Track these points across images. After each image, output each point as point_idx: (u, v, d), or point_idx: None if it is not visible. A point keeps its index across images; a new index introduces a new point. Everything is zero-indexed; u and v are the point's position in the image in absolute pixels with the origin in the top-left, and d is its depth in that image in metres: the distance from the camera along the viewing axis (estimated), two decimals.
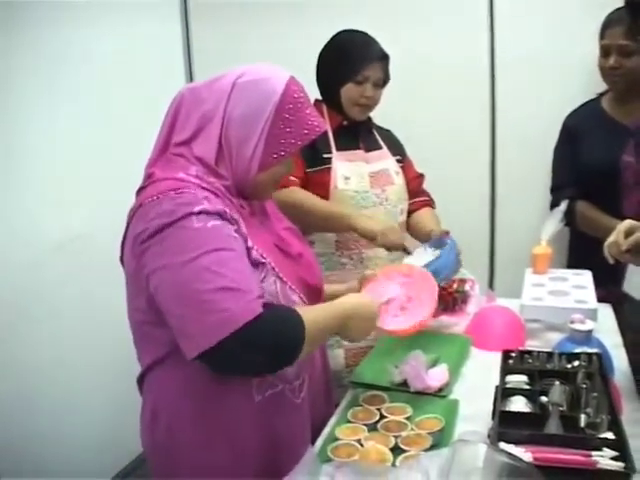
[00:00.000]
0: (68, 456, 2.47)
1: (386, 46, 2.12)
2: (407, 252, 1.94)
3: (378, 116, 2.24)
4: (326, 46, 2.15)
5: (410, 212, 2.25)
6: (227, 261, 1.24)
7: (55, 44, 2.43)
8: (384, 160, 2.19)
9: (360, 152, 2.15)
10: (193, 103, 1.38)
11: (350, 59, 2.06)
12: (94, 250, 2.52)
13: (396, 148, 2.27)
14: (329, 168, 2.07)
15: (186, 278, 1.21)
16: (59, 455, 2.45)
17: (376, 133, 2.24)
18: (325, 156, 2.08)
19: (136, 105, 2.70)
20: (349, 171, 2.09)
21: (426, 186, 2.33)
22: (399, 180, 2.19)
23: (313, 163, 2.06)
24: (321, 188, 2.05)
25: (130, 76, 2.74)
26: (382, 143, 2.23)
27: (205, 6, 3.05)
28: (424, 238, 2.07)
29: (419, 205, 2.28)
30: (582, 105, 2.50)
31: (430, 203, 2.31)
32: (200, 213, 1.25)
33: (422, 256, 1.89)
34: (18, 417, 2.30)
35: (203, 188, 1.30)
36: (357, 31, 2.13)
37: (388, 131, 2.30)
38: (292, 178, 1.97)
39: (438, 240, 1.97)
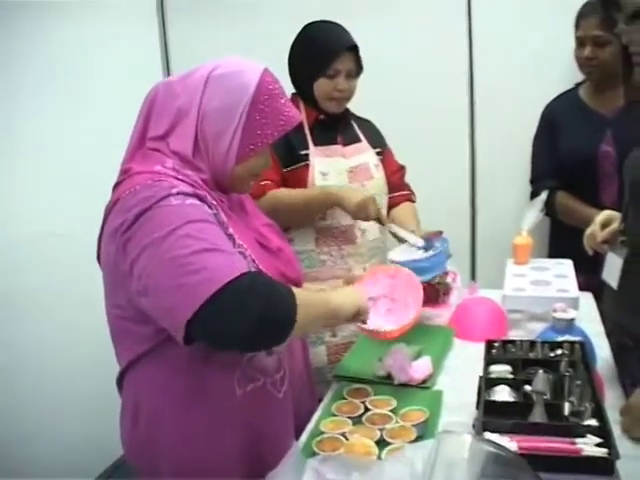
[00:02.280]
0: (50, 456, 2.46)
1: (366, 39, 2.09)
2: (382, 223, 1.94)
3: (357, 107, 2.22)
4: (295, 41, 2.10)
5: (390, 206, 2.23)
6: (207, 230, 1.22)
7: (35, 42, 2.41)
8: (363, 154, 2.16)
9: (338, 147, 2.11)
10: (167, 98, 1.36)
11: (318, 54, 2.01)
12: (75, 248, 2.48)
13: (375, 140, 2.23)
14: (307, 165, 2.04)
15: (166, 248, 1.17)
16: (41, 455, 2.43)
17: (355, 125, 2.21)
18: (302, 153, 2.04)
19: (115, 104, 2.66)
20: (327, 167, 2.06)
21: (406, 178, 2.32)
22: (378, 174, 2.16)
23: (290, 162, 2.03)
24: (299, 186, 2.02)
25: (108, 75, 2.72)
26: (361, 135, 2.19)
27: (182, 3, 3.03)
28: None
29: (399, 199, 2.25)
30: (560, 95, 2.52)
31: (410, 197, 2.29)
32: (178, 194, 1.24)
33: (406, 252, 1.89)
34: None
35: (180, 180, 1.29)
36: (325, 22, 2.08)
37: (367, 121, 2.27)
38: (267, 182, 1.95)
39: (426, 241, 1.96)
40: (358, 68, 2.07)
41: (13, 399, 2.35)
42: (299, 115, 1.42)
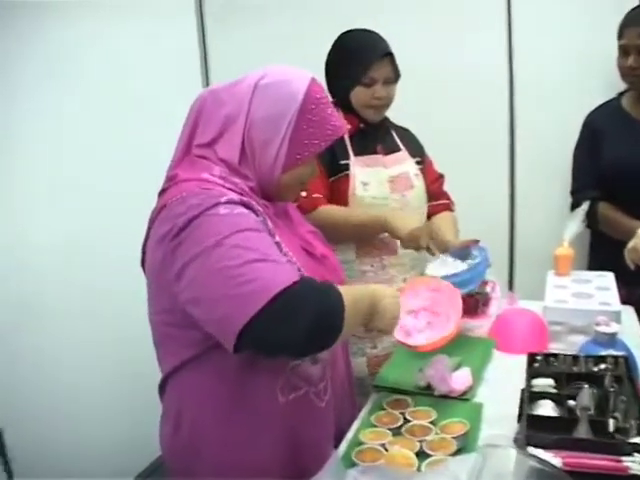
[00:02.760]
0: (85, 458, 2.48)
1: (404, 47, 2.09)
2: (432, 253, 1.90)
3: (395, 117, 2.21)
4: (330, 50, 2.10)
5: (429, 215, 2.21)
6: (257, 239, 1.23)
7: (72, 45, 2.45)
8: (403, 163, 2.13)
9: (378, 157, 2.09)
10: (214, 105, 1.37)
11: (354, 62, 2.01)
12: (95, 255, 2.53)
13: (415, 149, 2.21)
14: (347, 175, 2.02)
15: (216, 259, 1.18)
16: (75, 457, 2.45)
17: (394, 134, 2.19)
18: (342, 162, 2.02)
19: (152, 111, 2.69)
20: (367, 177, 2.04)
21: (445, 187, 2.30)
22: (419, 183, 2.14)
23: (333, 172, 2.02)
24: (340, 196, 2.01)
25: (146, 82, 2.73)
26: (401, 144, 2.17)
27: (221, 10, 3.05)
28: (440, 247, 1.99)
29: (439, 208, 2.24)
30: (602, 105, 2.48)
31: (450, 206, 2.27)
32: (227, 202, 1.25)
33: (444, 266, 1.86)
34: (34, 419, 2.32)
35: (227, 188, 1.30)
36: (360, 30, 2.07)
37: (406, 130, 2.25)
38: (318, 196, 1.95)
39: (463, 250, 1.92)
40: (395, 74, 2.06)
41: (45, 403, 2.37)
42: (346, 125, 1.43)
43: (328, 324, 1.21)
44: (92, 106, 2.52)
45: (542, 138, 2.70)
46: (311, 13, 2.89)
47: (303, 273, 1.32)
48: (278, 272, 1.19)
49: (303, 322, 1.16)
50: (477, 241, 1.97)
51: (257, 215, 1.30)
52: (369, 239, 2.03)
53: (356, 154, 2.05)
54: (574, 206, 2.40)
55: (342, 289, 1.28)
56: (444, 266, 1.86)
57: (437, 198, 2.25)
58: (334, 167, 2.01)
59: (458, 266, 1.87)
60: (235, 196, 1.28)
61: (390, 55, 2.03)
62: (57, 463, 2.36)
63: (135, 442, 2.63)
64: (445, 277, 1.78)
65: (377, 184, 2.04)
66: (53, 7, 2.37)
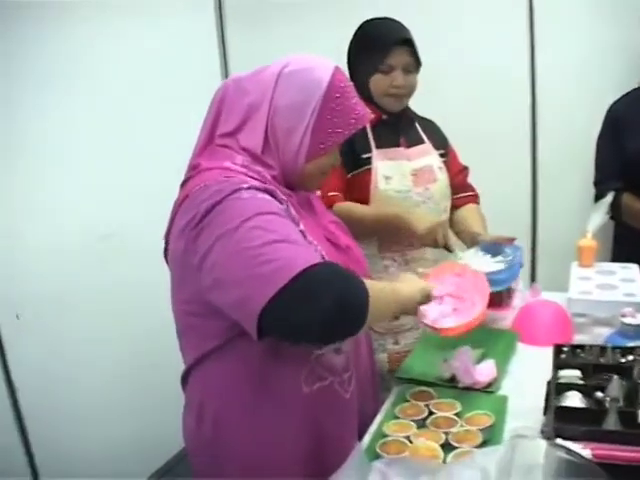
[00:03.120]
0: (101, 455, 2.50)
1: (427, 40, 2.06)
2: (450, 250, 1.86)
3: (417, 108, 2.19)
4: (352, 39, 2.06)
5: (453, 208, 2.17)
6: (278, 222, 1.21)
7: (94, 43, 2.47)
8: (427, 156, 2.08)
9: (401, 149, 2.03)
10: (237, 94, 1.36)
11: (372, 49, 1.96)
12: (126, 248, 2.56)
13: (439, 141, 2.15)
14: (369, 169, 1.97)
15: (237, 240, 1.16)
16: (92, 455, 2.47)
17: (418, 125, 2.13)
18: (364, 156, 1.97)
19: (174, 104, 2.70)
20: (390, 170, 1.99)
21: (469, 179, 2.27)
22: (442, 176, 2.08)
23: (353, 166, 1.97)
24: (361, 190, 1.97)
25: (167, 76, 2.75)
26: (424, 137, 2.11)
27: (240, 6, 3.04)
28: (467, 238, 2.01)
29: (464, 201, 2.19)
30: (625, 95, 2.45)
31: (475, 199, 2.22)
32: (249, 188, 1.24)
33: (477, 260, 1.83)
34: (56, 416, 2.34)
35: (250, 177, 1.29)
36: (381, 18, 2.03)
37: (430, 121, 2.19)
38: (335, 193, 1.92)
39: (494, 245, 1.88)
40: (416, 63, 2.00)
41: (65, 401, 2.40)
42: (370, 114, 1.40)
43: (351, 309, 1.17)
44: (112, 103, 2.54)
45: (564, 129, 2.69)
46: (331, 10, 2.88)
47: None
48: (299, 253, 1.17)
49: (325, 303, 1.12)
50: (512, 239, 1.91)
51: (280, 203, 1.29)
52: (389, 235, 1.99)
53: (378, 147, 2.00)
54: (598, 197, 2.37)
55: (367, 281, 1.26)
56: (476, 259, 1.83)
57: (461, 190, 2.20)
58: (355, 161, 1.97)
59: (489, 261, 1.83)
60: (258, 183, 1.27)
61: (410, 42, 1.97)
62: (77, 461, 2.38)
63: (151, 440, 2.65)
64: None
65: (400, 177, 1.99)
66: (73, 6, 2.39)
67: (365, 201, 1.97)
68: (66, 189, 2.38)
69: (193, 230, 1.22)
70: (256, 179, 1.29)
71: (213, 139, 1.38)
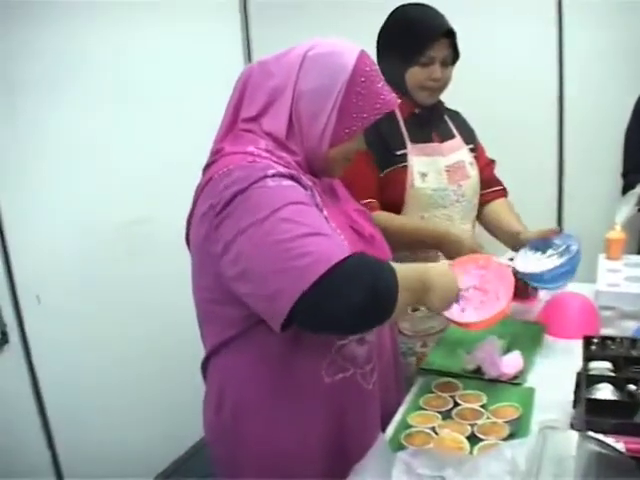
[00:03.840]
0: (124, 450, 2.51)
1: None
2: None
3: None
4: (384, 26, 1.91)
5: (483, 203, 2.08)
6: (306, 212, 1.19)
7: (121, 42, 2.49)
8: (458, 151, 1.98)
9: (435, 145, 1.93)
10: (261, 78, 1.33)
11: (412, 40, 1.81)
12: (153, 233, 2.58)
13: (468, 135, 2.05)
14: (405, 166, 1.86)
15: (266, 232, 1.14)
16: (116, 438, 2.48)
17: (447, 119, 2.03)
18: (399, 153, 1.86)
19: (197, 98, 2.71)
20: (425, 167, 1.88)
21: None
22: (474, 172, 1.99)
23: (387, 164, 1.85)
24: (396, 188, 1.86)
25: (192, 73, 2.77)
26: (455, 131, 2.01)
27: (264, 6, 3.02)
28: (508, 239, 1.91)
29: (492, 196, 2.10)
30: None
31: (503, 193, 2.13)
32: (274, 175, 1.21)
33: (529, 260, 1.76)
34: (77, 413, 2.35)
35: (274, 162, 1.26)
36: (417, 4, 1.89)
37: (457, 113, 2.10)
38: (370, 200, 1.81)
39: (543, 241, 1.80)
40: (454, 55, 1.88)
41: (89, 386, 2.41)
42: (396, 99, 1.37)
43: (382, 299, 1.16)
44: (140, 94, 2.58)
45: (592, 121, 2.65)
46: (356, 10, 2.84)
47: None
48: (331, 246, 1.15)
49: (358, 296, 1.11)
50: (558, 230, 1.83)
51: (305, 189, 1.26)
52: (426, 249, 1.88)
53: (412, 142, 1.89)
54: (626, 189, 2.32)
55: (394, 266, 1.23)
56: (529, 261, 1.76)
57: (489, 185, 2.10)
58: (388, 159, 1.86)
59: (541, 258, 1.77)
60: (283, 169, 1.24)
61: (452, 34, 1.84)
62: (100, 454, 2.38)
63: (175, 431, 2.65)
64: (544, 273, 1.69)
65: (435, 174, 1.90)
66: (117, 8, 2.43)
67: (399, 200, 1.87)
68: (95, 176, 2.39)
69: (216, 217, 1.20)
70: (280, 164, 1.26)
71: (236, 123, 1.36)
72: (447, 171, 1.92)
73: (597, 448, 1.02)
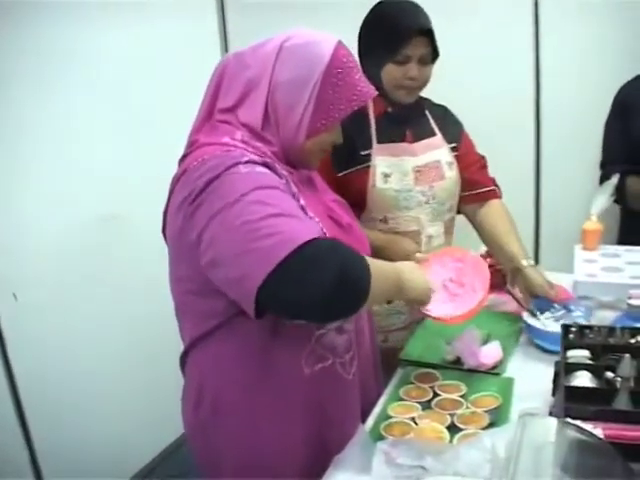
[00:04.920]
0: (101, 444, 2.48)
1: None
2: None
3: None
4: (363, 22, 1.87)
5: (473, 205, 2.00)
6: (278, 196, 1.18)
7: (97, 35, 2.46)
8: (435, 150, 1.90)
9: (404, 145, 1.86)
10: (238, 68, 1.32)
11: (386, 37, 1.75)
12: (130, 227, 2.55)
13: (452, 133, 1.97)
14: (367, 166, 1.81)
15: (235, 215, 1.12)
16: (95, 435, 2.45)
17: (430, 116, 1.95)
18: (363, 153, 1.81)
19: (174, 90, 2.68)
20: (390, 167, 1.82)
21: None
22: (451, 173, 1.91)
23: (347, 164, 1.81)
24: (357, 189, 1.81)
25: (168, 62, 2.74)
26: (436, 128, 1.93)
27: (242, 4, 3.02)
28: (506, 263, 1.87)
29: (483, 197, 2.00)
30: (635, 78, 2.41)
31: (496, 194, 2.02)
32: (247, 162, 1.20)
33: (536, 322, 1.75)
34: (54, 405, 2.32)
35: (249, 152, 1.25)
36: (397, 1, 1.81)
37: (443, 108, 2.02)
38: None
39: (546, 302, 1.79)
40: (433, 53, 1.80)
41: (67, 381, 2.38)
42: (373, 91, 1.36)
43: (350, 285, 1.14)
44: (113, 88, 2.53)
45: (568, 110, 2.65)
46: (334, 3, 2.83)
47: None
48: (299, 227, 1.14)
49: (324, 277, 1.09)
50: (566, 297, 1.81)
51: (280, 177, 1.25)
52: (385, 224, 1.87)
53: (380, 141, 1.83)
54: (603, 179, 2.34)
55: (368, 259, 1.23)
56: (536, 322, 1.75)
57: (476, 185, 2.00)
58: (351, 159, 1.81)
59: (543, 320, 1.75)
60: (257, 157, 1.23)
61: (430, 32, 1.76)
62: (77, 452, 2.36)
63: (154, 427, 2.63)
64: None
65: (400, 175, 1.83)
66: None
67: (361, 201, 1.82)
68: (66, 171, 2.36)
69: (190, 206, 1.19)
70: (256, 154, 1.25)
71: (212, 114, 1.34)
72: (417, 171, 1.86)
73: (576, 434, 1.02)
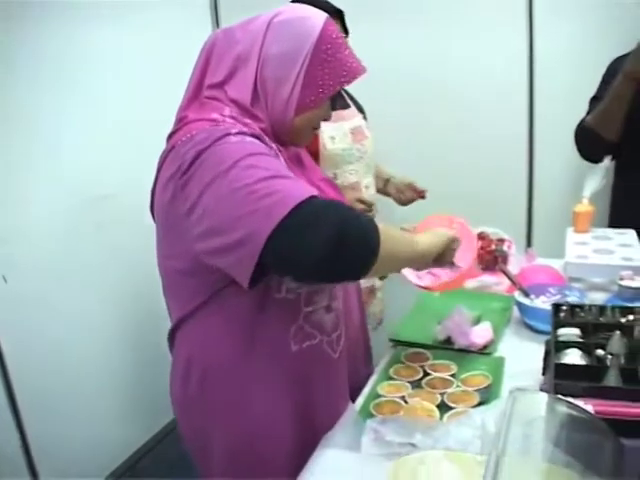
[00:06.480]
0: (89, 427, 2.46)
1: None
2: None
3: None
4: None
5: None
6: (270, 160, 1.16)
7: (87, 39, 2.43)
8: (354, 117, 2.22)
9: (338, 112, 2.06)
10: (227, 44, 1.30)
11: None
12: (121, 208, 2.51)
13: (358, 107, 2.30)
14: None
15: (229, 181, 1.10)
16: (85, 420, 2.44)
17: (342, 92, 2.19)
18: None
19: (164, 66, 2.64)
20: (333, 131, 2.10)
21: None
22: (370, 133, 2.24)
23: None
24: (311, 152, 1.83)
25: (158, 37, 2.70)
26: (349, 102, 2.24)
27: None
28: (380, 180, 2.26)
29: None
30: (626, 54, 2.38)
31: None
32: (237, 133, 1.18)
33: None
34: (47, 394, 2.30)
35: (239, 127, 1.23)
36: None
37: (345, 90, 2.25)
38: None
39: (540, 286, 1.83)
40: (344, 32, 2.06)
41: (62, 361, 2.35)
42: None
43: (354, 238, 1.10)
44: (110, 70, 2.50)
45: (562, 89, 2.62)
46: None
47: None
48: (296, 186, 1.12)
49: (327, 231, 1.06)
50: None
51: (270, 149, 1.24)
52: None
53: None
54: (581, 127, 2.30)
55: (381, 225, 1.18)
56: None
57: None
58: None
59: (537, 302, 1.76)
60: (247, 130, 1.21)
61: (338, 13, 2.02)
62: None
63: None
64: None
65: (342, 136, 2.13)
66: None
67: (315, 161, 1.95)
68: (56, 153, 2.32)
69: (180, 179, 1.17)
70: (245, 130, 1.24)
71: (201, 91, 1.32)
72: (351, 133, 2.17)
73: (567, 410, 1.02)
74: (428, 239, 1.35)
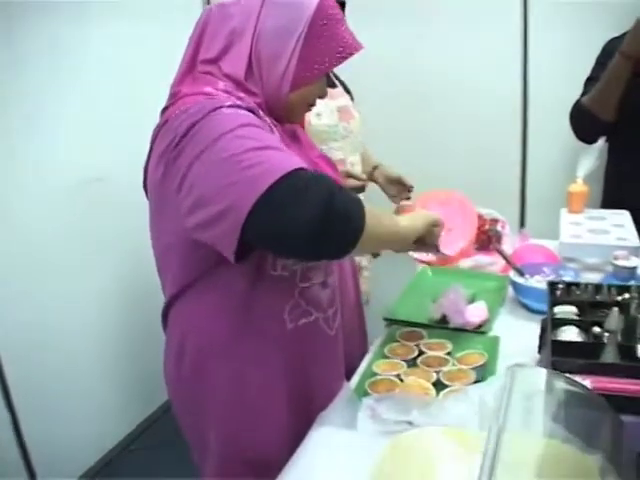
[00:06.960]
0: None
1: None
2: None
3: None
4: None
5: None
6: (261, 132, 1.14)
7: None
8: (341, 97, 2.24)
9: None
10: (221, 19, 1.27)
11: None
12: (114, 190, 2.51)
13: (346, 88, 2.31)
14: None
15: (217, 151, 1.08)
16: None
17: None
18: None
19: (155, 42, 2.64)
20: (319, 107, 2.00)
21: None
22: (357, 114, 2.26)
23: None
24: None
25: (150, 12, 2.69)
26: (336, 81, 2.24)
27: None
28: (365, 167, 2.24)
29: None
30: (623, 34, 2.37)
31: None
32: (230, 106, 1.15)
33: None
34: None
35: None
36: None
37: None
38: None
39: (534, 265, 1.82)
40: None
41: (55, 344, 2.34)
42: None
43: (340, 213, 1.07)
44: (109, 58, 2.52)
45: (556, 71, 2.61)
46: None
47: None
48: (285, 157, 1.09)
49: (312, 205, 1.03)
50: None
51: (264, 123, 1.21)
52: None
53: None
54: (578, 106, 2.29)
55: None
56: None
57: None
58: None
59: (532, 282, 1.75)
60: (241, 103, 1.19)
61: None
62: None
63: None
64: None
65: (328, 113, 2.16)
66: None
67: None
68: (49, 135, 2.31)
69: (172, 153, 1.15)
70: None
71: (195, 66, 1.30)
72: (338, 111, 2.19)
73: (566, 385, 1.01)
74: (408, 221, 1.34)
